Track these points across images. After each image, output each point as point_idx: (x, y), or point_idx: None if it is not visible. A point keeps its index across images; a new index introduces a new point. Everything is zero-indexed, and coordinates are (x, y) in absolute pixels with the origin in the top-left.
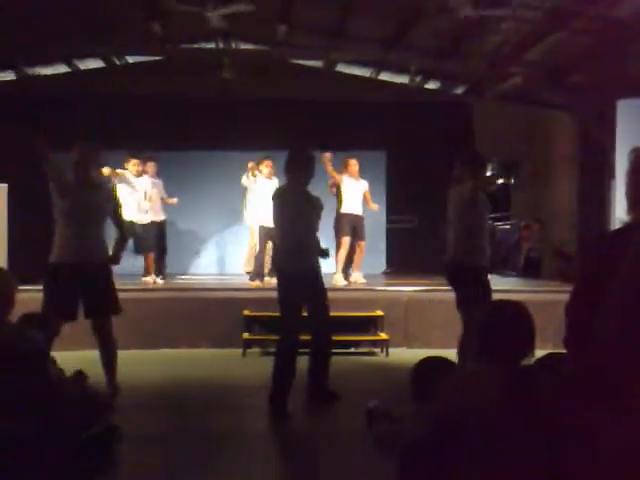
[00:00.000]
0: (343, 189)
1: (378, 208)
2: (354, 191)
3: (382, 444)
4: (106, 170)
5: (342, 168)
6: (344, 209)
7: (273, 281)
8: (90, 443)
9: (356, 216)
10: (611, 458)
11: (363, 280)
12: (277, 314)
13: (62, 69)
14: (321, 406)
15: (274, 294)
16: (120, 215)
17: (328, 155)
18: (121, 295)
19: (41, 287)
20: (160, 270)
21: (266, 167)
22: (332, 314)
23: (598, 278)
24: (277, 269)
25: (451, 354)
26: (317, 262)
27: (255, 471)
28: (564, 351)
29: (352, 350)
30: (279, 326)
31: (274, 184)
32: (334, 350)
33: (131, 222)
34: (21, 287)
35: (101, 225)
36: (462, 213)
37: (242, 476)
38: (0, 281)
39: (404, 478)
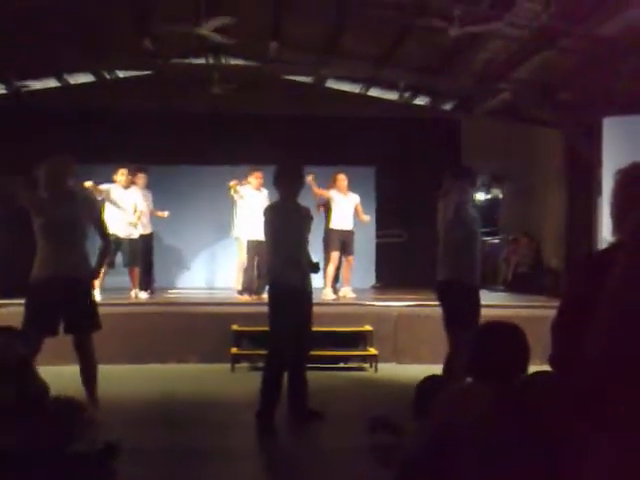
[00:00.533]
0: (333, 205)
1: (369, 219)
2: (344, 206)
3: (380, 456)
4: (88, 185)
5: (330, 183)
6: (334, 225)
7: (262, 296)
8: (87, 459)
9: (346, 231)
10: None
11: (352, 295)
12: (266, 329)
13: (52, 83)
14: (304, 424)
15: (263, 309)
16: (103, 224)
17: (311, 177)
18: (110, 310)
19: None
20: (148, 284)
21: (255, 179)
22: (321, 329)
23: (583, 298)
24: (270, 283)
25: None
26: (309, 276)
27: None
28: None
29: (341, 365)
30: (268, 341)
31: (263, 196)
32: (322, 365)
33: (117, 236)
34: (4, 301)
35: (80, 238)
36: (449, 228)
37: None
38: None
39: None
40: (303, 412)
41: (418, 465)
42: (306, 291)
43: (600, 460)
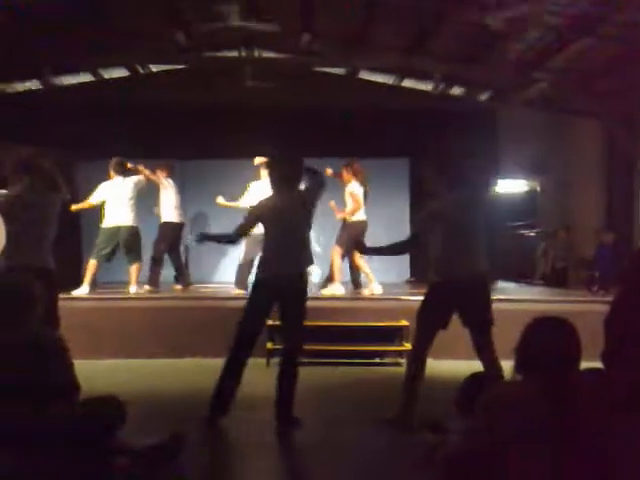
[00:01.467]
0: (357, 196)
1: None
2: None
3: (424, 454)
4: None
5: (349, 175)
6: (360, 216)
7: None
8: (155, 453)
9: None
10: None
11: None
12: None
13: (86, 78)
14: (282, 431)
15: None
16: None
17: (330, 171)
18: (145, 304)
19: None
20: (180, 277)
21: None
22: (356, 324)
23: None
24: (263, 275)
25: (478, 367)
26: (300, 271)
27: None
28: (599, 365)
29: (377, 360)
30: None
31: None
32: (358, 361)
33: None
34: None
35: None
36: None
37: None
38: (22, 282)
39: None
40: (285, 416)
41: (464, 463)
42: (292, 287)
43: None
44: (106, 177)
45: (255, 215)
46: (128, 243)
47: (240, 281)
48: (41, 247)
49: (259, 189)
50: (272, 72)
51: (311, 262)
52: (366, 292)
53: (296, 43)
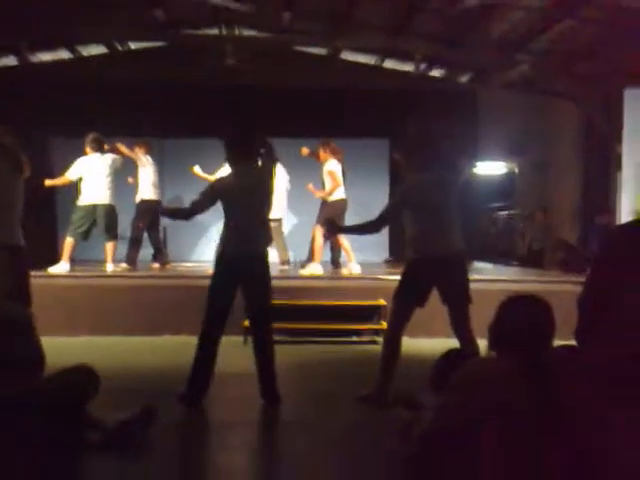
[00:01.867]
0: (335, 174)
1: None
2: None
3: (399, 430)
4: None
5: (327, 154)
6: (340, 195)
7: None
8: (126, 427)
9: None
10: (627, 455)
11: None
12: (281, 302)
13: (64, 55)
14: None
15: (277, 282)
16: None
17: (306, 150)
18: (125, 282)
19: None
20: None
21: None
22: (334, 303)
23: (613, 272)
24: (226, 255)
25: (455, 344)
26: (261, 248)
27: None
28: (572, 343)
29: (354, 339)
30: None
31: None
32: (335, 339)
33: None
34: None
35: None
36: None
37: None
38: None
39: (421, 465)
40: (268, 393)
41: (439, 439)
42: (255, 267)
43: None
44: (82, 154)
45: (213, 193)
46: (105, 221)
47: None
48: (10, 224)
49: None
50: (253, 51)
51: (271, 240)
52: (345, 271)
53: (277, 21)
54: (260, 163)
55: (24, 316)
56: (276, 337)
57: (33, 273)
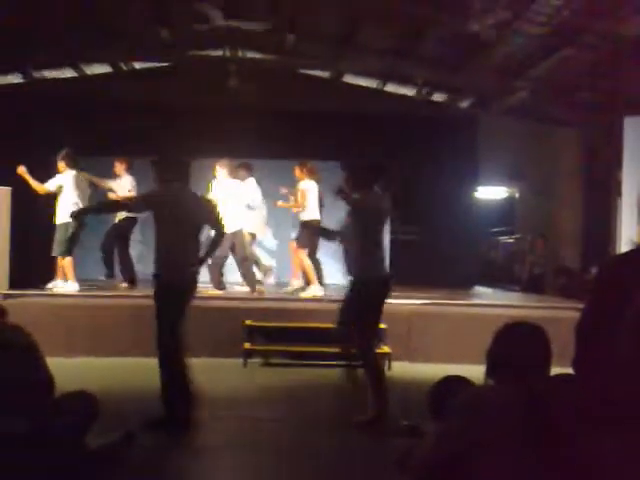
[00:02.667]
0: (305, 193)
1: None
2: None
3: (397, 459)
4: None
5: (303, 174)
6: (315, 216)
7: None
8: (105, 450)
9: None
10: None
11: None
12: (280, 324)
13: (69, 73)
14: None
15: (277, 304)
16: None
17: (284, 190)
18: (119, 302)
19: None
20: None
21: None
22: (334, 326)
23: (611, 301)
24: (165, 282)
25: (455, 369)
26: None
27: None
28: (569, 371)
29: (353, 363)
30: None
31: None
32: (335, 363)
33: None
34: (22, 291)
35: None
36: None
37: None
38: None
39: None
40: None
41: (434, 469)
42: (192, 288)
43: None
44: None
45: (144, 203)
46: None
47: (214, 281)
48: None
49: (221, 189)
50: (256, 73)
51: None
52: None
53: (281, 44)
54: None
55: (29, 340)
56: (271, 360)
57: (33, 292)
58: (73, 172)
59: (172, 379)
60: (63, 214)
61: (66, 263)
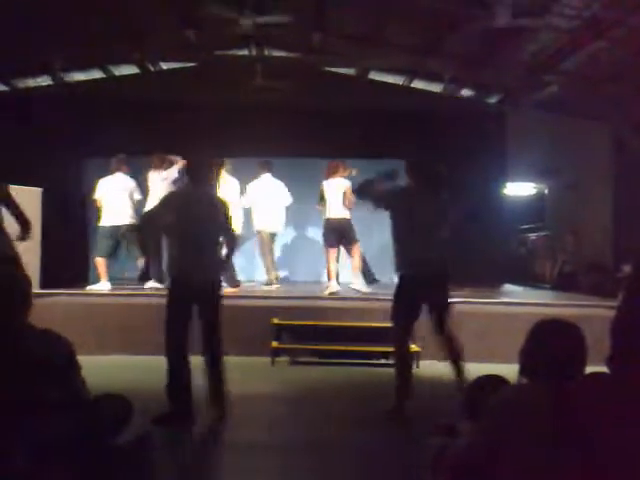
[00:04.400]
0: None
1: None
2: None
3: (434, 457)
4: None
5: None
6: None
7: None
8: (125, 449)
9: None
10: None
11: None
12: (306, 322)
13: (97, 74)
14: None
15: (305, 303)
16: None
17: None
18: (144, 300)
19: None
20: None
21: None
22: (362, 324)
23: None
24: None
25: (484, 368)
26: (213, 273)
27: None
28: (605, 370)
29: (382, 362)
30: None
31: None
32: (364, 361)
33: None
34: (53, 291)
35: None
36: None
37: None
38: (16, 280)
39: None
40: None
41: (469, 469)
42: (206, 289)
43: None
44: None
45: (165, 209)
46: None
47: (228, 279)
48: None
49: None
50: (282, 72)
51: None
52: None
53: (307, 42)
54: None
55: (66, 347)
56: (299, 358)
57: (64, 291)
58: (126, 176)
59: (174, 375)
60: (114, 217)
61: (99, 262)
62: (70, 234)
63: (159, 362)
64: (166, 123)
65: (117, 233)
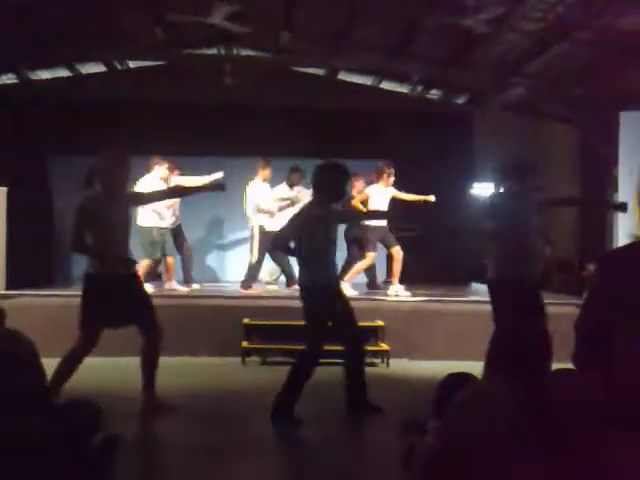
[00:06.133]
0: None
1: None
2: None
3: (401, 456)
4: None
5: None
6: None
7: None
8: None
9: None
10: None
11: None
12: (276, 322)
13: (63, 73)
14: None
15: (274, 302)
16: None
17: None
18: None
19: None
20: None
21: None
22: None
23: (610, 296)
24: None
25: (454, 366)
26: (335, 276)
27: None
28: (570, 367)
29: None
30: (306, 337)
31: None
32: (332, 360)
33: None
34: (18, 292)
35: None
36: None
37: None
38: None
39: None
40: (362, 407)
41: (436, 466)
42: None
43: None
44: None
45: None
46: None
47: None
48: None
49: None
50: (251, 71)
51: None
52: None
53: (276, 41)
54: None
55: (29, 347)
56: (270, 358)
57: (30, 292)
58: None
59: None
60: (149, 217)
61: (169, 262)
62: (35, 234)
63: (124, 363)
64: (132, 122)
65: (160, 234)
